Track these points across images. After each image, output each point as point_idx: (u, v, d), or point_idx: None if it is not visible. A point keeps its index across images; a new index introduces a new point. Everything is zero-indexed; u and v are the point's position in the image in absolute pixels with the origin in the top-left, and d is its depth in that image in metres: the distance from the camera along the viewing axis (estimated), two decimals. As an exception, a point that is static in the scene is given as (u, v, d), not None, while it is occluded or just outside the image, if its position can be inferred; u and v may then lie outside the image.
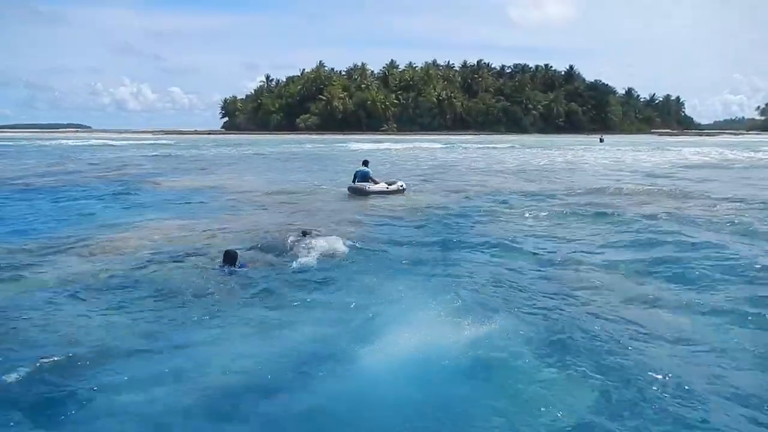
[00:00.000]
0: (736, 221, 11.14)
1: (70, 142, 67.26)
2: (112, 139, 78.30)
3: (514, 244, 9.50)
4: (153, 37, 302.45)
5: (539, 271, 7.87)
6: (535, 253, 8.86)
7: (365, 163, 17.63)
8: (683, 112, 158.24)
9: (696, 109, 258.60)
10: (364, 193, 16.28)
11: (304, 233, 9.51)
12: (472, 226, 11.34)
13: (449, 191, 17.67)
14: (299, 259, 8.33)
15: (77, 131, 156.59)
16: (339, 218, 12.21)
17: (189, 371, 4.83)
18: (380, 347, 5.16)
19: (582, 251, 9.01)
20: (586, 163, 31.28)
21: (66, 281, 7.30)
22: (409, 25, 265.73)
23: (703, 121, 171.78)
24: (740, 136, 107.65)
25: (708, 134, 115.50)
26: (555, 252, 8.96)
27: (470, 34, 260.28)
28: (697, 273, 7.55)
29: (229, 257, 7.90)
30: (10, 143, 63.77)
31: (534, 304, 6.37)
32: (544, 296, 6.70)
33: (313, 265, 8.11)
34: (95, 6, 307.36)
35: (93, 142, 68.93)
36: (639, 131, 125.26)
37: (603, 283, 7.19)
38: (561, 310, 6.21)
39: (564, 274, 7.68)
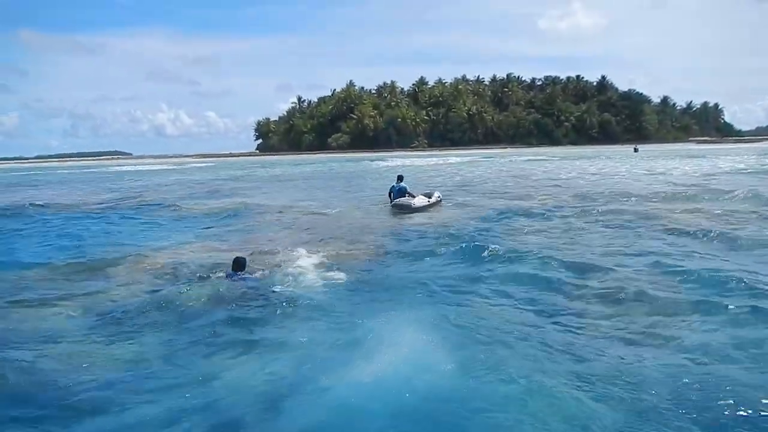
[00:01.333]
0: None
1: (113, 168, 70.02)
2: (152, 164, 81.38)
3: (533, 265, 9.08)
4: (189, 64, 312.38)
5: (554, 292, 7.60)
6: (550, 273, 8.57)
7: (400, 178, 17.38)
8: (722, 119, 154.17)
9: (736, 116, 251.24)
10: (410, 210, 15.97)
11: (308, 255, 9.78)
12: (494, 244, 10.76)
13: (479, 205, 17.47)
14: (307, 276, 8.59)
15: (118, 158, 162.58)
16: (361, 235, 12.50)
17: (181, 385, 5.06)
18: (370, 370, 5.16)
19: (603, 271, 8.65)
20: (617, 175, 30.88)
21: (88, 299, 7.79)
22: (438, 41, 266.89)
23: (744, 128, 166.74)
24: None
25: (748, 140, 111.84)
26: (574, 270, 8.67)
27: (500, 48, 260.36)
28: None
29: (238, 264, 8.37)
30: (62, 171, 66.80)
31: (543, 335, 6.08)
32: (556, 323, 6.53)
33: (320, 282, 8.31)
34: (133, 36, 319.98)
35: (138, 168, 71.34)
36: (676, 140, 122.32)
37: (621, 311, 6.83)
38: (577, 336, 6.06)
39: (583, 293, 7.45)
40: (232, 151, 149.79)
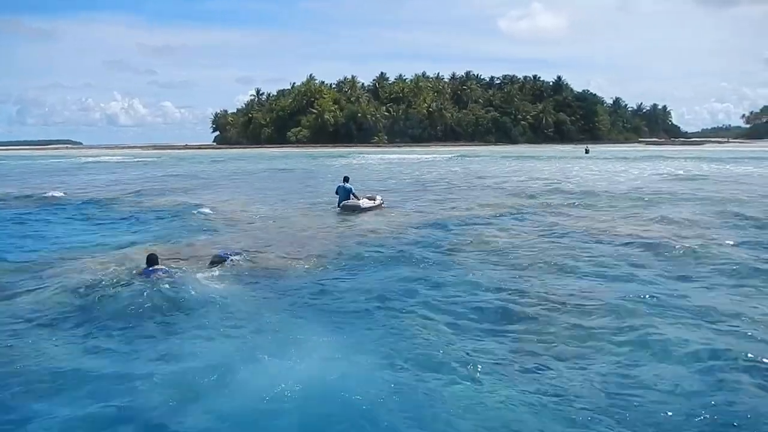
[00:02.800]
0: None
1: (62, 161, 67.45)
2: (102, 156, 78.82)
3: (467, 277, 9.14)
4: (146, 52, 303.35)
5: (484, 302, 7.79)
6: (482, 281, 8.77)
7: (346, 179, 17.98)
8: (670, 120, 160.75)
9: (684, 118, 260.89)
10: (359, 210, 16.76)
11: (222, 258, 10.04)
12: (430, 252, 11.05)
13: (424, 210, 17.67)
14: (221, 276, 8.99)
15: (68, 147, 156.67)
16: (297, 241, 12.53)
17: (75, 387, 5.23)
18: (275, 373, 5.39)
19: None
20: (566, 179, 31.77)
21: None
22: (399, 37, 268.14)
23: (691, 129, 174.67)
24: (724, 145, 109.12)
25: (694, 143, 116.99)
26: (509, 281, 8.89)
27: (461, 46, 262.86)
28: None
29: (150, 260, 8.76)
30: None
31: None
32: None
33: (234, 283, 8.66)
34: (88, 22, 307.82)
35: (83, 160, 69.02)
36: (627, 140, 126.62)
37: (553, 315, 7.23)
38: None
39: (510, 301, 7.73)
40: (188, 143, 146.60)
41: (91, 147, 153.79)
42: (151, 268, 8.61)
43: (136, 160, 66.17)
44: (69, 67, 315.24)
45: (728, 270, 9.14)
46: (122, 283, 8.38)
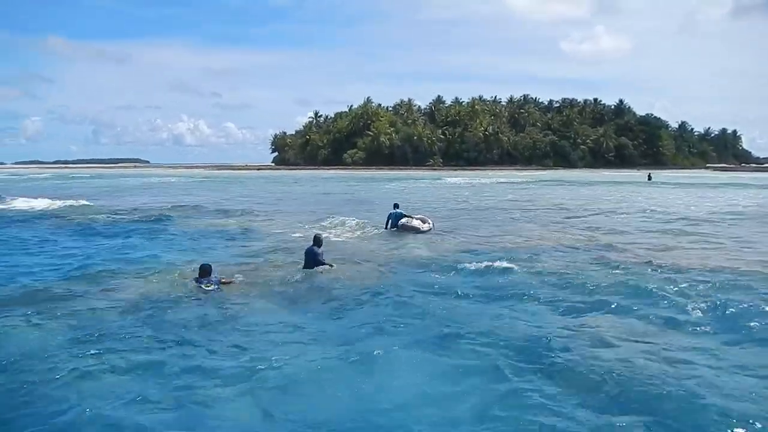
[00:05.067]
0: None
1: (130, 181, 71.13)
2: (168, 175, 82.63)
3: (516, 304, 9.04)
4: (210, 75, 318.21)
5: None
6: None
7: (396, 206, 18.71)
8: (740, 145, 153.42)
9: (755, 142, 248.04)
10: (417, 231, 17.54)
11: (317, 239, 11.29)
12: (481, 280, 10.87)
13: (472, 235, 17.62)
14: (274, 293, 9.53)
15: (136, 166, 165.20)
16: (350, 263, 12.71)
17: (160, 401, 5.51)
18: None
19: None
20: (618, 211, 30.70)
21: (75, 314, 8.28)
22: (457, 59, 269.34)
23: (763, 154, 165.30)
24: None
25: (766, 169, 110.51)
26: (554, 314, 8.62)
27: (520, 67, 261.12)
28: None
29: (203, 271, 9.16)
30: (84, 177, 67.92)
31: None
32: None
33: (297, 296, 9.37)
34: (157, 47, 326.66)
35: (153, 180, 72.47)
36: (693, 166, 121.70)
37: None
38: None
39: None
40: (248, 163, 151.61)
41: (158, 165, 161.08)
42: (202, 280, 9.12)
43: (210, 180, 68.86)
44: (140, 89, 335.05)
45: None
46: (178, 294, 9.19)
